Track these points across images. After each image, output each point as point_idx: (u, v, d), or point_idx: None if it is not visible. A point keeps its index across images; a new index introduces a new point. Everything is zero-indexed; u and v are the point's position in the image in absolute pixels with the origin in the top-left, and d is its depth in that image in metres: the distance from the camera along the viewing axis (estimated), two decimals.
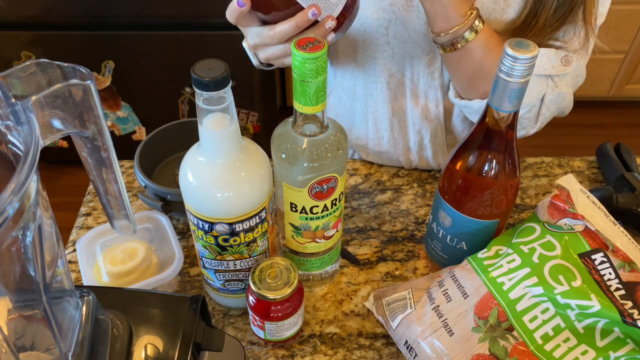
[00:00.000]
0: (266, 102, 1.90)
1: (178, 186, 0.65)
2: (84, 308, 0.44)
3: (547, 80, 0.73)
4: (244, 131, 1.93)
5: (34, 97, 0.34)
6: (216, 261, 0.62)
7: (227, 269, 0.63)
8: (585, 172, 0.89)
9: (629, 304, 0.56)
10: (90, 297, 0.45)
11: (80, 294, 0.45)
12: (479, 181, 0.61)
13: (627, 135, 2.29)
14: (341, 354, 0.66)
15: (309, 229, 0.63)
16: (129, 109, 1.90)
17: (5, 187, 0.28)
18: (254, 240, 0.61)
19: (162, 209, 0.74)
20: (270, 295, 0.59)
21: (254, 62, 0.75)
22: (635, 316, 0.54)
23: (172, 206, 0.75)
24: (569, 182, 0.67)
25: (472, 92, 0.74)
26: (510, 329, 0.57)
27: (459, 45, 0.68)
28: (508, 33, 0.73)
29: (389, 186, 0.87)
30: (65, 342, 0.40)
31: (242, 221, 0.58)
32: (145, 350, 0.48)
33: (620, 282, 0.57)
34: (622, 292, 0.57)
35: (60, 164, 2.07)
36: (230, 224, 0.57)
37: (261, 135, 1.95)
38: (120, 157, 0.51)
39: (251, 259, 0.63)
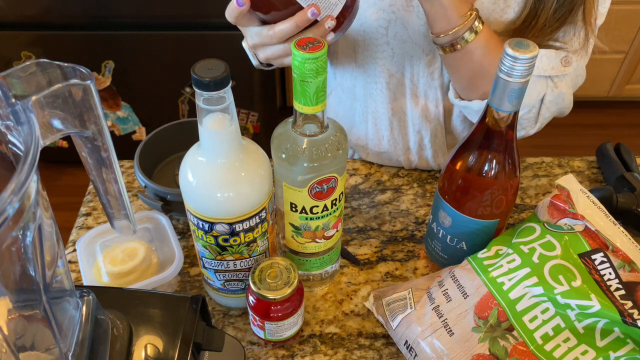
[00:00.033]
0: (266, 102, 1.90)
1: (178, 186, 0.65)
2: (84, 308, 0.44)
3: (546, 81, 0.73)
4: (244, 131, 1.93)
5: (34, 97, 0.34)
6: (216, 261, 0.62)
7: (227, 269, 0.63)
8: (585, 172, 0.89)
9: (629, 304, 0.56)
10: (90, 297, 0.45)
11: (80, 294, 0.45)
12: (479, 181, 0.61)
13: (627, 135, 2.29)
14: (341, 354, 0.66)
15: (309, 229, 0.63)
16: (129, 109, 1.90)
17: (5, 187, 0.28)
18: (254, 240, 0.61)
19: (162, 209, 0.74)
20: (270, 295, 0.59)
21: (254, 62, 0.75)
22: (635, 316, 0.54)
23: (172, 206, 0.75)
24: (569, 182, 0.67)
25: (472, 92, 0.74)
26: (510, 329, 0.57)
27: (458, 46, 0.68)
28: (508, 33, 0.73)
29: (389, 186, 0.87)
30: (65, 342, 0.40)
31: (242, 221, 0.58)
32: (145, 350, 0.48)
33: (620, 282, 0.57)
34: (622, 292, 0.57)
35: (60, 164, 2.07)
36: (230, 224, 0.57)
37: (261, 135, 1.95)
38: (120, 157, 0.51)
39: (251, 259, 0.63)
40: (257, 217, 0.59)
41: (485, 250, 0.63)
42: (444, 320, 0.59)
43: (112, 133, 1.65)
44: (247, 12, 0.63)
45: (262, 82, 1.83)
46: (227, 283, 0.65)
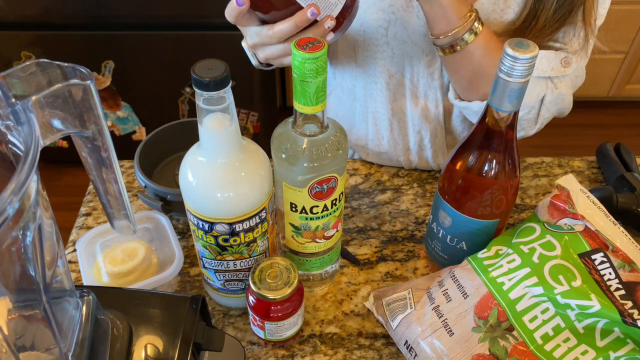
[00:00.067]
0: (266, 102, 1.90)
1: (178, 186, 0.65)
2: (84, 308, 0.44)
3: (546, 82, 0.73)
4: (244, 131, 1.93)
5: (34, 97, 0.34)
6: (216, 261, 0.62)
7: (227, 269, 0.63)
8: (585, 172, 0.89)
9: (629, 304, 0.56)
10: (90, 297, 0.45)
11: (80, 294, 0.45)
12: (479, 181, 0.61)
13: (627, 135, 2.29)
14: (341, 354, 0.66)
15: (309, 229, 0.63)
16: (129, 109, 1.90)
17: (5, 187, 0.28)
18: (254, 240, 0.61)
19: (162, 209, 0.74)
20: (270, 295, 0.59)
21: (253, 62, 0.75)
22: (635, 316, 0.54)
23: (172, 206, 0.75)
24: (569, 182, 0.67)
25: (472, 93, 0.74)
26: (510, 329, 0.57)
27: (458, 47, 0.68)
28: (508, 34, 0.73)
29: (389, 186, 0.87)
30: (65, 342, 0.40)
31: (242, 221, 0.58)
32: (145, 350, 0.48)
33: (620, 282, 0.57)
34: (622, 292, 0.57)
35: (60, 164, 2.07)
36: (230, 224, 0.57)
37: (261, 135, 1.95)
38: (120, 157, 0.51)
39: (251, 259, 0.63)
40: (257, 217, 0.59)
41: (485, 250, 0.63)
42: (444, 320, 0.59)
43: (112, 133, 1.65)
44: (246, 12, 0.63)
45: (262, 82, 1.83)
46: (227, 283, 0.65)
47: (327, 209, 0.61)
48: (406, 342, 0.61)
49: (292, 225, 0.63)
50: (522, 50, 0.50)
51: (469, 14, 0.66)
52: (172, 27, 1.70)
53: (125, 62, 1.77)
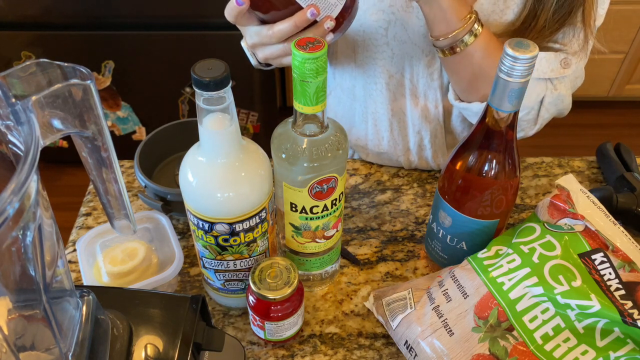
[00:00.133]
0: (266, 102, 1.90)
1: (178, 186, 0.65)
2: (84, 308, 0.44)
3: (546, 83, 0.73)
4: (244, 131, 1.93)
5: (34, 97, 0.34)
6: (216, 261, 0.62)
7: (227, 269, 0.63)
8: (585, 172, 0.89)
9: (629, 304, 0.56)
10: (90, 297, 0.45)
11: (80, 294, 0.45)
12: (479, 181, 0.61)
13: (627, 135, 2.29)
14: (341, 354, 0.66)
15: (309, 229, 0.63)
16: (129, 109, 1.90)
17: (5, 187, 0.28)
18: (254, 240, 0.61)
19: (162, 209, 0.74)
20: (270, 295, 0.59)
21: (253, 62, 0.75)
22: (635, 316, 0.54)
23: (172, 206, 0.75)
24: (569, 182, 0.67)
25: (472, 94, 0.74)
26: (510, 329, 0.57)
27: (458, 49, 0.68)
28: (507, 35, 0.73)
29: (389, 186, 0.87)
30: (65, 342, 0.40)
31: (242, 221, 0.58)
32: (145, 350, 0.48)
33: (620, 282, 0.57)
34: (622, 292, 0.57)
35: (60, 164, 2.07)
36: (230, 224, 0.57)
37: (261, 135, 1.95)
38: (120, 157, 0.51)
39: (251, 259, 0.63)
40: (257, 217, 0.59)
41: (485, 250, 0.63)
42: (444, 320, 0.59)
43: (112, 133, 1.65)
44: (246, 12, 0.63)
45: (262, 82, 1.83)
46: (227, 283, 0.65)
47: (327, 209, 0.61)
48: (406, 342, 0.62)
49: (292, 225, 0.63)
50: (522, 50, 0.50)
51: (468, 16, 0.66)
52: (172, 27, 1.70)
53: (125, 62, 1.77)
